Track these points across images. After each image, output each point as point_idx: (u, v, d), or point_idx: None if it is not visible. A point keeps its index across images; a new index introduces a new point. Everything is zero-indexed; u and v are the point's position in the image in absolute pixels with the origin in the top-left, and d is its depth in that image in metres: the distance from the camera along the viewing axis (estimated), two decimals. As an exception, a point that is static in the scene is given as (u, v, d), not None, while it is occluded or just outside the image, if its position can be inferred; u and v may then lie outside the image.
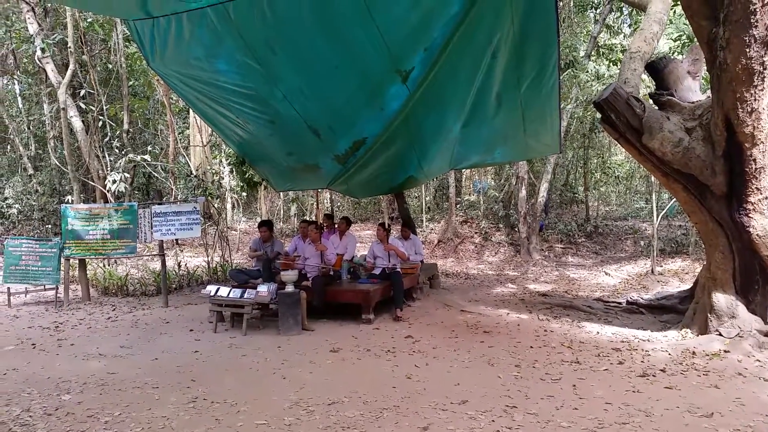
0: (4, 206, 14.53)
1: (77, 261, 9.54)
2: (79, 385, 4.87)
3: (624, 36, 16.93)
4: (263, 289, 7.06)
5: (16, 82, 17.75)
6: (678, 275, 11.36)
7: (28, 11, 12.12)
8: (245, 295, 7.01)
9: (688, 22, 9.72)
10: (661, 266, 12.27)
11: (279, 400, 4.42)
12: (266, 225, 8.66)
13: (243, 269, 8.91)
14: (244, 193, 15.57)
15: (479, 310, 8.16)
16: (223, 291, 7.16)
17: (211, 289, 7.28)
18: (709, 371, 5.03)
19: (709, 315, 6.16)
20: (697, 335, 6.21)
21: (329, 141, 7.41)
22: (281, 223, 19.61)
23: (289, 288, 6.97)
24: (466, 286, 11.01)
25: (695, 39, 6.81)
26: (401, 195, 11.62)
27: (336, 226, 9.44)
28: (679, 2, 7.46)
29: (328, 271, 8.01)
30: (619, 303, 8.41)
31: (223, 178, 14.60)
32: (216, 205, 13.61)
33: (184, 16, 5.53)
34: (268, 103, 6.73)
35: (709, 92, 6.29)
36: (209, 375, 5.17)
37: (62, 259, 9.22)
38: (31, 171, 16.07)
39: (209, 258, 11.81)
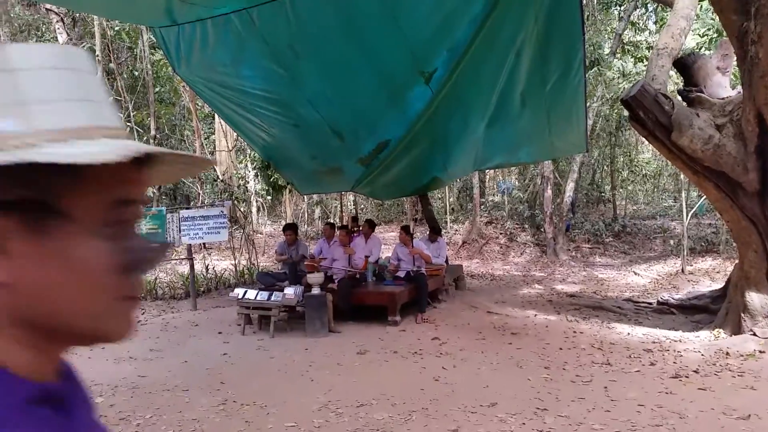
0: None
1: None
2: (111, 388, 4.95)
3: (649, 33, 16.69)
4: (290, 291, 7.10)
5: (46, 91, 18.10)
6: (709, 274, 11.15)
7: (57, 21, 12.39)
8: (272, 298, 7.05)
9: (715, 17, 9.55)
10: (692, 265, 12.05)
11: (308, 402, 4.43)
12: (291, 228, 8.70)
13: (270, 272, 8.97)
14: (269, 197, 15.69)
15: (506, 312, 8.09)
16: (251, 294, 7.21)
17: (238, 292, 7.34)
18: (744, 372, 4.92)
19: (742, 314, 6.03)
20: (731, 335, 6.08)
21: (353, 144, 7.43)
22: (306, 226, 19.71)
23: (316, 290, 7.00)
24: (492, 287, 10.94)
25: (724, 34, 6.69)
26: (425, 196, 11.59)
27: (360, 228, 9.46)
28: (707, -4, 7.35)
29: (354, 274, 8.03)
30: (650, 303, 8.28)
31: (248, 182, 14.73)
32: (242, 209, 13.73)
33: (209, 22, 5.59)
34: (292, 107, 6.77)
35: (739, 88, 6.16)
36: (238, 377, 5.21)
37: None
38: (61, 178, 16.36)
39: (236, 261, 11.91)
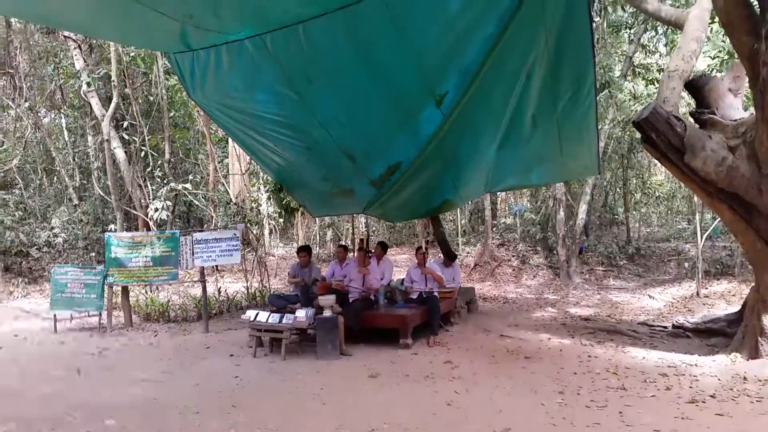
0: (51, 235, 14.97)
1: (120, 288, 9.75)
2: (123, 411, 4.94)
3: (660, 55, 16.73)
4: (301, 314, 7.09)
5: (62, 116, 18.41)
6: (724, 297, 11.00)
7: (75, 48, 12.64)
8: (284, 321, 7.05)
9: (726, 39, 9.56)
10: (707, 288, 11.91)
11: (319, 426, 4.40)
12: (305, 250, 8.72)
13: (281, 294, 8.96)
14: (282, 220, 15.75)
15: (519, 335, 8.02)
16: (262, 316, 7.21)
17: (250, 314, 7.35)
18: (763, 398, 4.83)
19: (759, 339, 5.94)
20: (748, 360, 5.98)
21: (364, 166, 7.47)
22: (318, 249, 19.74)
23: (327, 313, 6.98)
24: (505, 310, 10.85)
25: (735, 56, 6.69)
26: (437, 218, 11.57)
27: (371, 251, 9.44)
28: (717, 19, 7.35)
29: (368, 295, 8.01)
30: (665, 327, 8.18)
31: (261, 205, 14.81)
32: (254, 232, 13.79)
33: (223, 48, 5.68)
34: (305, 130, 6.82)
35: (752, 109, 6.15)
36: (249, 400, 5.19)
37: (106, 286, 9.43)
38: (76, 201, 16.55)
39: (248, 283, 11.93)
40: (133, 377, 6.15)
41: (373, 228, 21.87)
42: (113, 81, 12.72)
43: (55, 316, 9.30)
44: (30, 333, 9.15)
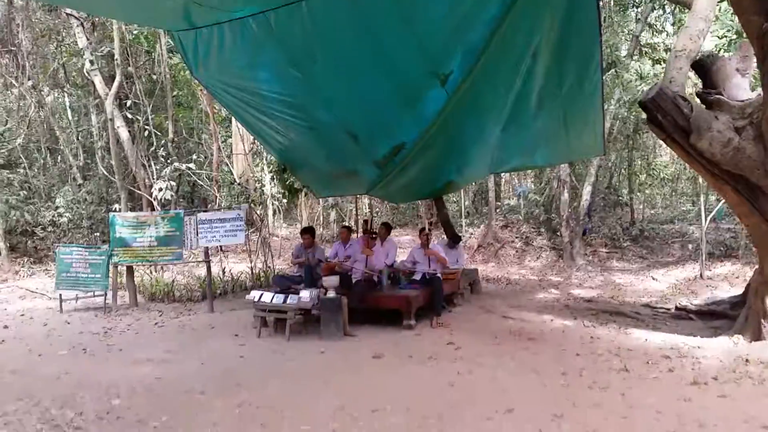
0: (56, 215, 15.01)
1: (125, 268, 9.79)
2: (128, 390, 4.98)
3: (667, 35, 16.51)
4: (305, 294, 7.11)
5: (66, 95, 18.35)
6: (728, 279, 11.00)
7: (77, 26, 12.57)
8: (288, 301, 7.07)
9: (734, 18, 9.42)
10: (710, 270, 11.90)
11: (323, 406, 4.44)
12: (309, 232, 8.72)
13: (286, 275, 8.99)
14: (285, 200, 15.75)
15: (522, 316, 8.04)
16: (267, 297, 7.23)
17: (254, 294, 7.37)
18: (765, 380, 4.84)
19: (762, 321, 5.94)
20: (750, 342, 5.99)
21: (368, 146, 7.43)
22: (321, 229, 19.76)
23: (331, 293, 7.01)
24: (508, 291, 10.88)
25: (743, 35, 6.61)
26: (440, 200, 11.56)
27: (376, 233, 9.43)
28: (726, -2, 7.25)
29: (371, 277, 8.02)
30: (668, 309, 8.19)
31: (264, 186, 14.80)
32: (258, 212, 13.79)
33: (227, 26, 5.63)
34: (308, 110, 6.79)
35: (759, 90, 6.08)
36: (254, 380, 5.23)
37: (110, 266, 9.48)
38: (80, 181, 16.57)
39: (252, 264, 11.97)
40: (138, 357, 6.20)
41: (377, 209, 21.87)
42: (116, 59, 12.67)
43: (60, 295, 9.36)
44: (36, 312, 9.23)
